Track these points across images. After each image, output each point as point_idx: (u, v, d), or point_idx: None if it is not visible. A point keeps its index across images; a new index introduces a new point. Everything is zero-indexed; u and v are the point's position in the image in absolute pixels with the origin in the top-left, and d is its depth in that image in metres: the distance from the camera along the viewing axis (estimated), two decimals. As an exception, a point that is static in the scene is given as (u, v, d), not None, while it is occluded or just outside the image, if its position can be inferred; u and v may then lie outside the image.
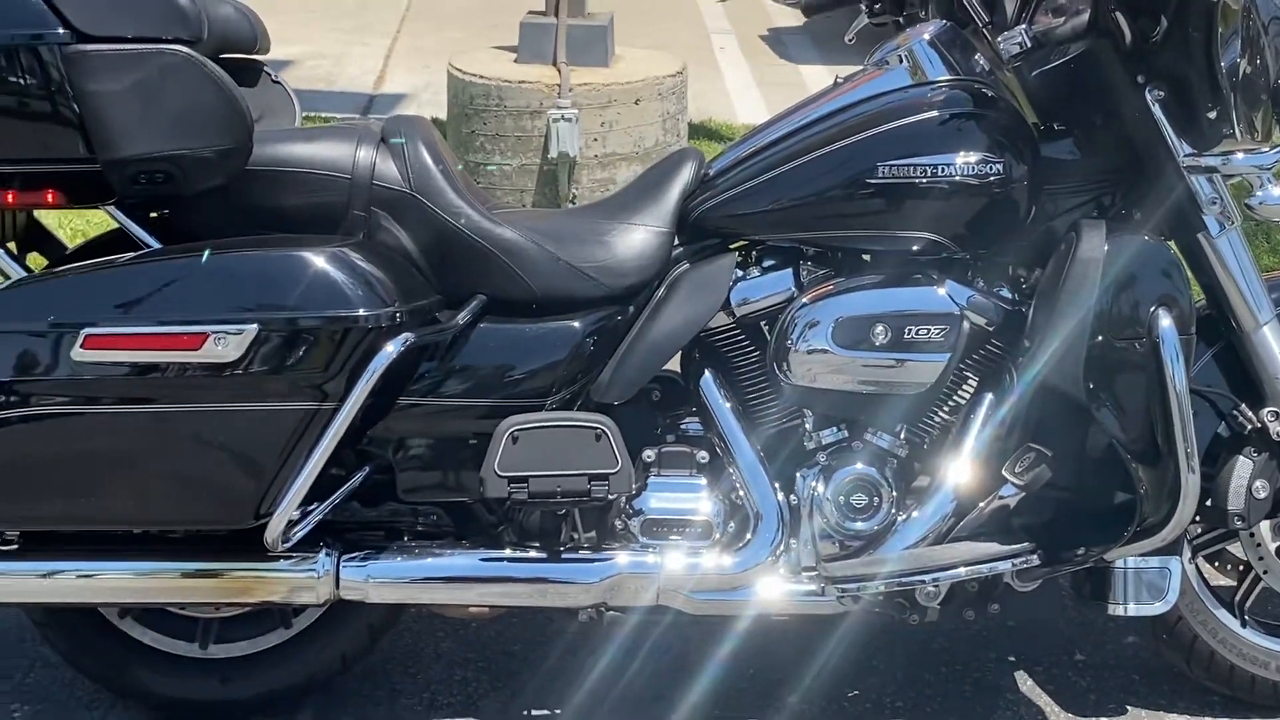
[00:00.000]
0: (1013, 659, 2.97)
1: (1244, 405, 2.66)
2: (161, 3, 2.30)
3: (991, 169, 2.46)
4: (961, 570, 2.51)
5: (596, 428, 2.45)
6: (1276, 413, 2.64)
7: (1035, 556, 2.51)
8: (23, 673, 2.86)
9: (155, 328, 2.29)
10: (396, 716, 2.79)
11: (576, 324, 2.55)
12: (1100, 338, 2.39)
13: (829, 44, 6.62)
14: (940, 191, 2.49)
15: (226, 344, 2.27)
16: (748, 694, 2.82)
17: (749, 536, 2.55)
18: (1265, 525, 2.71)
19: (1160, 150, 2.49)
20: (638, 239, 2.57)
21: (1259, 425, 2.65)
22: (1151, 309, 2.40)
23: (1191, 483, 2.42)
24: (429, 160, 2.51)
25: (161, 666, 2.73)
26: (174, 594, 2.58)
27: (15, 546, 2.48)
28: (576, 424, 2.47)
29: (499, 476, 2.44)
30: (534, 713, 2.81)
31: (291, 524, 2.39)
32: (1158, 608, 2.59)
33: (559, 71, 4.82)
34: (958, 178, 2.47)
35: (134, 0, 2.31)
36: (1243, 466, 2.65)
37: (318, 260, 2.32)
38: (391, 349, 2.31)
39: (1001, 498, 2.55)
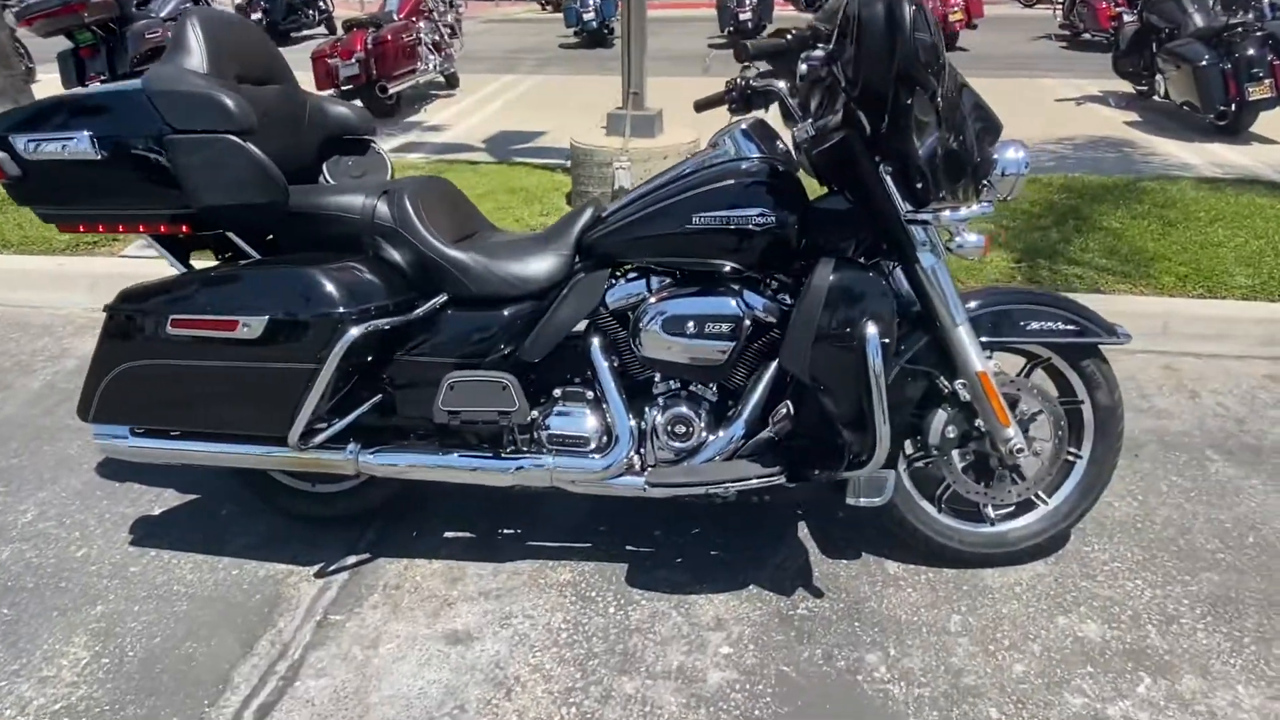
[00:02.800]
0: (799, 512, 2.39)
1: (943, 377, 2.06)
2: (218, 108, 1.86)
3: (767, 219, 1.89)
4: (746, 481, 1.99)
5: (502, 381, 1.98)
6: (964, 383, 2.03)
7: (784, 476, 1.99)
8: (227, 491, 2.53)
9: (208, 315, 1.94)
10: (424, 528, 2.40)
11: (505, 313, 2.07)
12: (824, 338, 1.84)
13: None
14: (733, 233, 1.93)
15: (251, 327, 1.91)
16: (618, 527, 2.37)
17: (612, 449, 2.06)
18: (955, 453, 2.12)
19: (889, 207, 1.87)
20: (549, 259, 2.08)
21: (952, 390, 2.05)
22: (862, 319, 1.83)
23: (884, 434, 1.88)
24: (409, 207, 1.99)
25: (293, 495, 2.39)
26: (275, 465, 2.17)
27: (179, 433, 2.14)
28: (489, 379, 2.00)
29: (441, 409, 2.03)
30: (505, 531, 2.39)
31: (309, 433, 2.02)
32: (877, 501, 2.04)
33: (624, 141, 4.47)
34: (744, 225, 1.91)
35: (201, 105, 1.87)
36: (940, 417, 2.08)
37: (310, 274, 1.93)
38: (355, 331, 1.91)
39: (766, 435, 2.01)
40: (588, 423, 2.05)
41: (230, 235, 2.04)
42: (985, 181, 1.83)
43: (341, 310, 1.87)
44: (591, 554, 2.24)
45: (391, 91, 7.90)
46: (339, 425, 2.02)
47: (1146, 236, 3.93)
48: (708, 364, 1.96)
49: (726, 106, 2.13)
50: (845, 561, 2.20)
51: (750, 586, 2.12)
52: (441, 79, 9.21)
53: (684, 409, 2.00)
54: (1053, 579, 2.14)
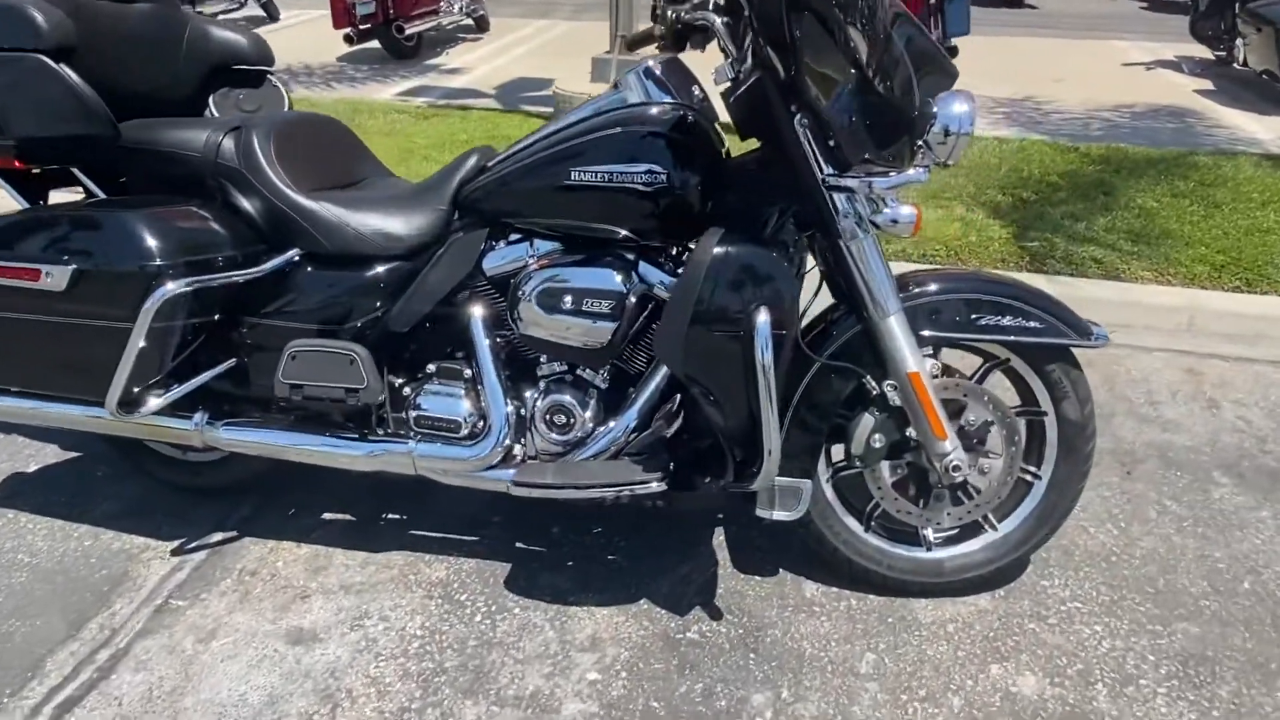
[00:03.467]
0: (721, 516, 2.10)
1: (871, 377, 1.72)
2: (23, 21, 1.62)
3: (657, 178, 1.56)
4: (623, 487, 1.70)
5: (350, 354, 1.71)
6: (894, 385, 1.69)
7: (665, 482, 1.70)
8: (105, 455, 2.25)
9: (11, 263, 1.69)
10: (304, 507, 2.17)
11: (368, 274, 1.80)
12: (702, 323, 1.53)
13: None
14: (617, 193, 1.61)
15: (54, 278, 1.67)
16: (514, 520, 2.10)
17: (484, 437, 1.78)
18: (885, 465, 1.79)
19: (807, 169, 1.53)
20: (422, 214, 1.81)
21: (881, 392, 1.72)
22: (752, 306, 1.51)
23: (775, 443, 1.57)
24: (257, 146, 1.72)
25: (163, 463, 2.18)
26: (113, 430, 1.91)
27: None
28: (334, 350, 1.74)
29: (282, 382, 1.78)
30: (390, 515, 2.15)
31: (137, 399, 1.77)
32: (790, 515, 1.74)
33: (608, 87, 3.99)
34: (630, 183, 1.59)
35: (4, 19, 1.61)
36: (866, 422, 1.75)
37: (125, 219, 1.67)
38: (172, 287, 1.65)
39: (652, 432, 1.73)
40: (461, 405, 1.78)
41: (76, 173, 1.82)
42: (922, 142, 1.49)
43: (158, 263, 1.62)
44: (475, 549, 2.00)
45: (410, 32, 7.62)
46: (177, 392, 1.78)
47: (1184, 218, 3.46)
48: (590, 346, 1.67)
49: (656, 45, 1.82)
50: (758, 579, 1.91)
51: (641, 601, 1.85)
52: (470, 21, 8.89)
53: (566, 396, 1.73)
54: (996, 617, 1.82)
